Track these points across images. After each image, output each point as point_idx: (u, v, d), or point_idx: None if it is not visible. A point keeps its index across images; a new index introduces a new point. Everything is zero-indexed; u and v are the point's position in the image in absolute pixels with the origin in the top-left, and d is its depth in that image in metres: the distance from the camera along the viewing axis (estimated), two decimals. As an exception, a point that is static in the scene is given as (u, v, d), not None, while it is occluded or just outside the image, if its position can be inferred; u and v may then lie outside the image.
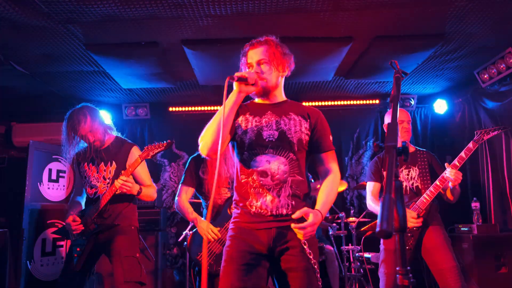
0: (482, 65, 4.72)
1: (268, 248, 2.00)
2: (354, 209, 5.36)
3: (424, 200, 3.09)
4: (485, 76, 4.77)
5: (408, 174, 3.23)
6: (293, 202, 2.01)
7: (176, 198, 3.30)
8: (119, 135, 3.31)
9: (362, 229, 4.01)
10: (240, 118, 2.14)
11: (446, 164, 3.05)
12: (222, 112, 1.93)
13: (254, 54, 2.12)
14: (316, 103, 6.06)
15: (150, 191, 3.18)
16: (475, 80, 4.95)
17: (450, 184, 3.03)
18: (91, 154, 3.14)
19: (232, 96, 2.02)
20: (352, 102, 6.10)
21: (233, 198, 2.16)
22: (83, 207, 3.23)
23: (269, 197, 2.00)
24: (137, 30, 3.80)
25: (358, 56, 4.53)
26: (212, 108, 6.07)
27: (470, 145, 3.02)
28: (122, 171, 3.00)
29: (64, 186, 5.38)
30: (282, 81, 2.23)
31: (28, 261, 4.91)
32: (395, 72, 1.43)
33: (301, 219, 1.93)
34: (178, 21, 3.64)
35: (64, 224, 3.13)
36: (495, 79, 4.66)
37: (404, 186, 3.24)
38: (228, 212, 3.15)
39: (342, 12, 3.55)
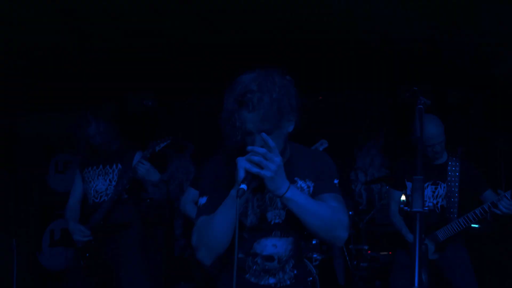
0: None
1: None
2: (362, 201, 5.26)
3: (455, 228, 2.75)
4: None
5: (434, 191, 2.85)
6: (296, 271, 1.73)
7: (183, 198, 3.20)
8: (124, 141, 3.30)
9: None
10: None
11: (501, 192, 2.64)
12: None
13: (250, 118, 1.45)
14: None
15: None
16: None
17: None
18: (96, 157, 3.14)
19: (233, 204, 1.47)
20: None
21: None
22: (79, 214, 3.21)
23: (272, 280, 1.68)
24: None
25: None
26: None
27: None
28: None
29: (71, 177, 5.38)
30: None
31: (37, 252, 4.98)
32: (417, 103, 1.31)
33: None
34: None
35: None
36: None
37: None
38: None
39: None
